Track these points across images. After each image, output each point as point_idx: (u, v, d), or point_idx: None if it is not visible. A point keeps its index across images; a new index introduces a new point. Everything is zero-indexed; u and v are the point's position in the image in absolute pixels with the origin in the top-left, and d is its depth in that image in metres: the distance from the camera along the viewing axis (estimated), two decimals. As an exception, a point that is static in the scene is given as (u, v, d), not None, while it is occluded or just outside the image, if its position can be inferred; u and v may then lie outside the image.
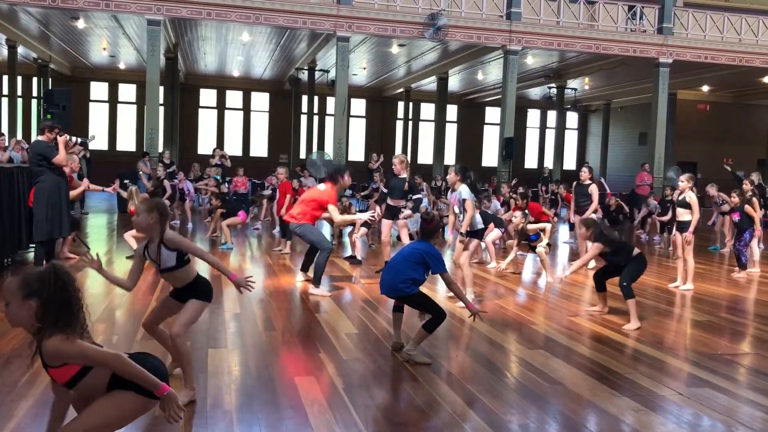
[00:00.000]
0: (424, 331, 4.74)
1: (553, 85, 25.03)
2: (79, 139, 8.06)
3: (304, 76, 23.54)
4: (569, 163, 29.88)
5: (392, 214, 8.78)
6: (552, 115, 28.17)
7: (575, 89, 25.69)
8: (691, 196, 8.08)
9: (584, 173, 10.12)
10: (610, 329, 5.94)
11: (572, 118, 30.54)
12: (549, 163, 26.64)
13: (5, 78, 22.06)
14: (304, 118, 24.37)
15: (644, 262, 6.42)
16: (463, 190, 6.87)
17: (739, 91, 24.85)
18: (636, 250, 6.41)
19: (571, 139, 30.84)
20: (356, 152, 27.44)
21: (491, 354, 5.03)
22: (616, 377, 4.53)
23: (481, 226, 7.01)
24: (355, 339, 5.31)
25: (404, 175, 8.65)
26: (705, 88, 24.91)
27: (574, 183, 10.57)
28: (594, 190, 9.91)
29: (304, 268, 7.65)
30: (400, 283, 4.77)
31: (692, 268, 8.18)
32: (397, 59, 21.78)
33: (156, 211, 3.72)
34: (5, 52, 20.43)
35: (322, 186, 7.53)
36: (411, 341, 4.78)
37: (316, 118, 25.17)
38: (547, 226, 9.44)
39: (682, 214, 8.21)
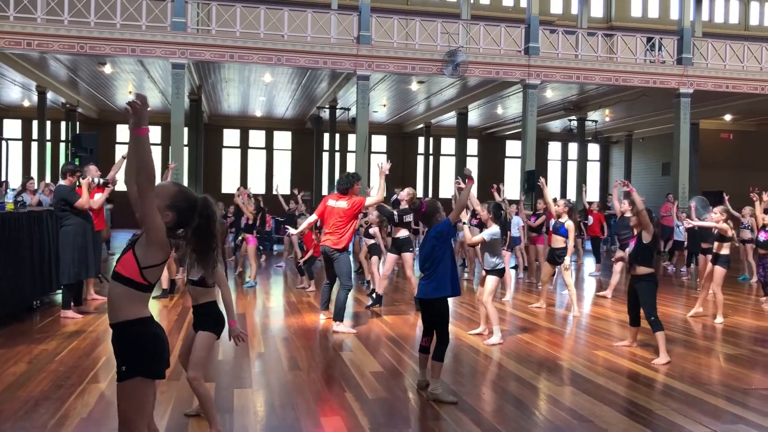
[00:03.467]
0: (436, 362, 4.78)
1: (573, 117, 25.04)
2: (101, 180, 8.13)
3: (325, 114, 23.83)
4: (592, 194, 29.69)
5: (397, 248, 8.81)
6: (573, 147, 28.12)
7: (596, 121, 25.66)
8: (724, 228, 8.02)
9: (625, 205, 9.88)
10: (639, 364, 5.84)
11: (594, 150, 30.44)
12: (571, 195, 26.51)
13: (35, 123, 22.61)
14: (326, 156, 24.59)
15: (655, 284, 6.24)
16: (495, 230, 6.76)
17: (763, 119, 24.63)
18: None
19: (593, 170, 30.70)
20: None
21: (519, 391, 4.96)
22: (647, 413, 4.44)
23: (503, 265, 6.94)
24: (380, 378, 5.28)
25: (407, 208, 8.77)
26: (728, 117, 24.74)
27: (618, 217, 10.39)
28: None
29: (325, 306, 7.63)
30: (452, 285, 4.87)
31: (721, 301, 8.06)
32: (416, 96, 21.99)
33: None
34: (35, 98, 20.99)
35: (342, 203, 7.33)
36: (432, 378, 4.75)
37: (337, 155, 25.37)
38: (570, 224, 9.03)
39: (720, 248, 8.13)
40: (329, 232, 7.22)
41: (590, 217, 13.65)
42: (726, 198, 11.02)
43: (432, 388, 4.70)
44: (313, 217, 7.77)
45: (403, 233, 8.80)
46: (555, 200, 9.36)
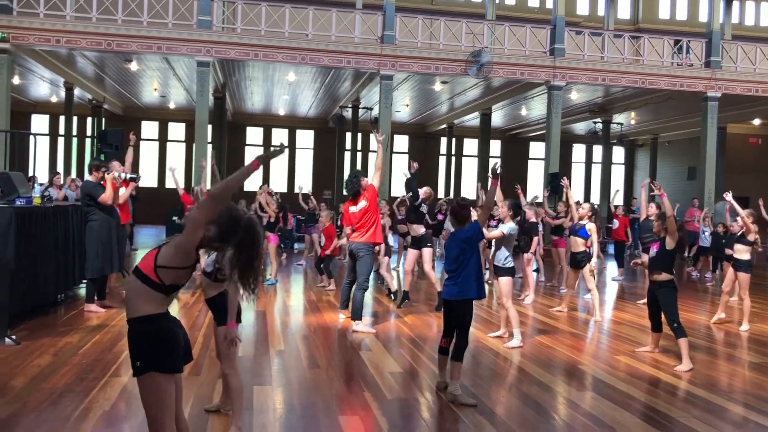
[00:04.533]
0: (456, 363, 4.76)
1: (598, 119, 24.81)
2: (128, 175, 8.22)
3: (348, 113, 23.87)
4: (616, 198, 29.39)
5: (417, 243, 8.97)
6: (598, 150, 27.86)
7: (621, 124, 25.40)
8: (749, 227, 7.90)
9: (652, 208, 9.71)
10: (661, 370, 5.77)
11: (618, 153, 30.14)
12: (595, 198, 26.27)
13: (62, 118, 22.94)
14: (347, 155, 24.63)
15: (675, 289, 6.15)
16: (508, 227, 6.76)
17: (793, 124, 24.24)
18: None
19: (617, 174, 30.41)
20: (399, 188, 27.51)
21: (539, 395, 4.92)
22: (669, 421, 4.38)
23: (512, 264, 6.89)
24: (398, 378, 5.28)
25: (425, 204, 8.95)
26: (756, 122, 24.34)
27: (642, 218, 10.22)
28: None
29: (344, 306, 7.64)
30: (476, 286, 4.87)
31: (748, 307, 7.93)
32: (440, 96, 21.94)
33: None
34: (63, 94, 21.30)
35: (360, 203, 7.31)
36: (452, 380, 4.73)
37: (359, 155, 25.41)
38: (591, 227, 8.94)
39: (741, 252, 8.00)
40: (357, 228, 7.27)
41: (615, 221, 13.47)
42: (761, 204, 10.84)
43: (451, 389, 4.68)
44: (344, 241, 7.98)
45: (421, 229, 8.94)
46: (579, 203, 9.27)
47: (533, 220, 10.77)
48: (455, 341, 4.84)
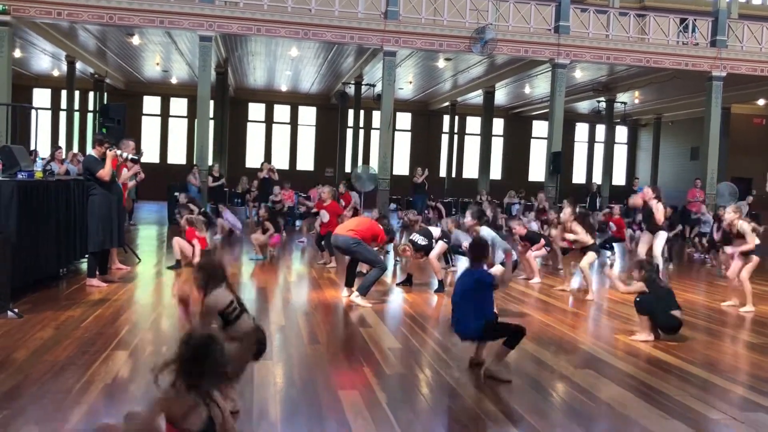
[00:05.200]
0: (506, 348, 4.72)
1: (602, 98, 24.69)
2: (130, 156, 8.14)
3: (350, 90, 23.77)
4: (618, 178, 29.35)
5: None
6: (601, 129, 27.77)
7: (625, 103, 25.28)
8: (742, 226, 7.84)
9: (638, 199, 9.54)
10: (658, 349, 5.80)
11: (621, 132, 30.04)
12: (597, 178, 26.22)
13: (64, 93, 22.88)
14: (350, 132, 24.56)
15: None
16: (485, 232, 6.78)
17: (798, 104, 24.11)
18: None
19: (620, 153, 30.33)
20: (401, 166, 27.50)
21: (537, 373, 4.96)
22: (666, 399, 4.42)
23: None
24: (398, 354, 5.31)
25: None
26: (761, 102, 24.21)
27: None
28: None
29: (349, 284, 7.63)
30: (473, 326, 4.77)
31: (749, 290, 7.91)
32: (443, 73, 21.81)
33: (198, 279, 3.71)
34: (65, 67, 21.21)
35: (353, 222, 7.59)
36: (494, 360, 4.74)
37: (362, 132, 25.34)
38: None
39: (741, 244, 7.97)
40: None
41: (611, 224, 13.26)
42: (748, 202, 10.67)
43: (490, 364, 4.71)
44: None
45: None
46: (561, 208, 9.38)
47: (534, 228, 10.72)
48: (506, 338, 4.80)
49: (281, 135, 28.38)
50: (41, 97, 25.78)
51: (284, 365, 4.88)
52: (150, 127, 27.10)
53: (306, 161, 28.39)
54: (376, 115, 23.33)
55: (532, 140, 29.95)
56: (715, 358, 5.60)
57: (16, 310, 5.87)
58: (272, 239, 10.68)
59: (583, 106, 26.85)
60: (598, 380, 4.80)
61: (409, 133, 29.27)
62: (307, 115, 28.40)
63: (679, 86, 21.12)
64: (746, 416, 4.15)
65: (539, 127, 28.99)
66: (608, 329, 6.64)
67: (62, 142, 22.32)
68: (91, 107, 24.95)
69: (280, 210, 14.02)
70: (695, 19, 18.40)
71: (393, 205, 20.24)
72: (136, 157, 8.39)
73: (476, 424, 3.86)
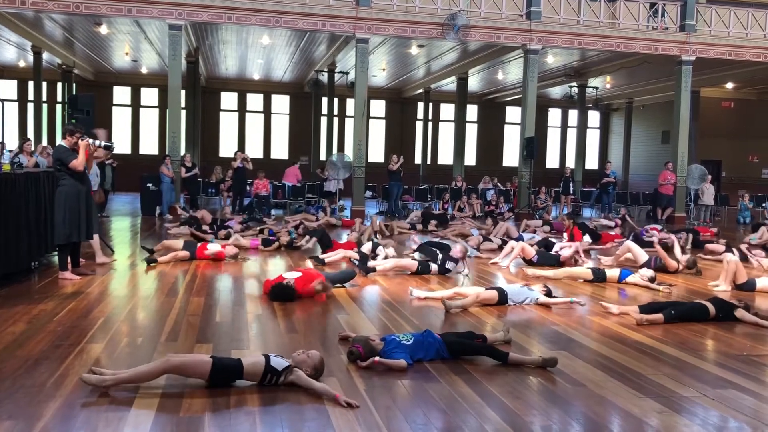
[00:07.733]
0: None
1: (574, 84, 24.87)
2: (103, 143, 8.00)
3: (323, 78, 23.63)
4: (591, 162, 29.65)
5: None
6: (573, 114, 27.99)
7: (597, 88, 25.50)
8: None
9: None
10: (631, 330, 5.90)
11: (594, 117, 30.31)
12: (571, 162, 26.47)
13: (31, 84, 22.39)
14: (324, 120, 24.45)
15: None
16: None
17: (765, 87, 24.47)
18: None
19: (593, 138, 30.60)
20: (376, 153, 27.47)
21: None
22: (639, 378, 4.50)
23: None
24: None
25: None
26: (729, 86, 24.57)
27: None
28: None
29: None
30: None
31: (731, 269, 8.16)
32: (416, 60, 21.78)
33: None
34: (31, 58, 20.77)
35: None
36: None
37: (336, 120, 25.24)
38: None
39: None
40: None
41: (566, 234, 11.96)
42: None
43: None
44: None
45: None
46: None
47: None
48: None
49: (255, 124, 28.15)
50: (7, 88, 25.26)
51: (261, 353, 4.86)
52: (120, 118, 26.70)
53: (280, 150, 28.21)
54: (350, 103, 23.24)
55: (505, 126, 30.08)
56: (686, 338, 5.71)
57: (-14, 306, 5.77)
58: (251, 243, 10.81)
59: (556, 91, 27.03)
60: (573, 361, 4.87)
61: (384, 121, 29.22)
62: (281, 103, 28.20)
63: (650, 71, 21.34)
64: (717, 393, 4.24)
65: (513, 113, 29.12)
66: (583, 311, 6.73)
67: (31, 134, 21.91)
68: (59, 98, 24.51)
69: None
70: (664, 4, 18.56)
71: (369, 193, 20.21)
72: (110, 144, 8.23)
73: (453, 407, 3.89)
